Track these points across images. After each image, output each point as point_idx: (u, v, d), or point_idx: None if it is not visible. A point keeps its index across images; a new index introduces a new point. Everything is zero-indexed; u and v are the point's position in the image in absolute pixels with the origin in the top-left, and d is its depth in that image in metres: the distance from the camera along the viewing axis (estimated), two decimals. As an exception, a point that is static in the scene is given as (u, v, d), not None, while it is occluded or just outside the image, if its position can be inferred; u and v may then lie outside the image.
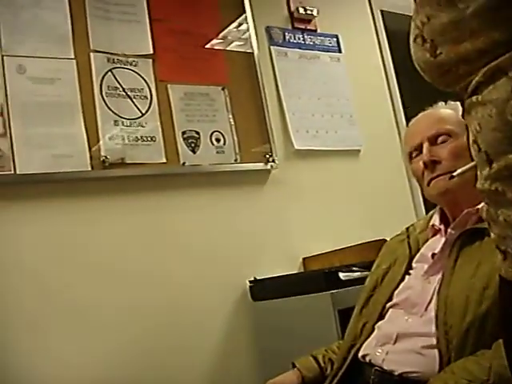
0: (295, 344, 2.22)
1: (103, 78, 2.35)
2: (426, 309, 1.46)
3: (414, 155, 1.61)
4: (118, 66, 2.40)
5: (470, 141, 0.81)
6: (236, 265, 2.53)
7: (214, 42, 2.67)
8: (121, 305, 2.23)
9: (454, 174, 1.42)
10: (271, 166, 2.68)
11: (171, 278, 2.37)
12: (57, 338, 2.10)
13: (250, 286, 2.53)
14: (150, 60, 2.48)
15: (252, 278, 2.52)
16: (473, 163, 0.85)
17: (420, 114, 1.66)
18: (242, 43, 2.75)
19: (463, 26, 0.78)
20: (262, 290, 2.50)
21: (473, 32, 0.77)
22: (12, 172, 2.10)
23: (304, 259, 2.70)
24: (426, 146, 1.55)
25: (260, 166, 2.65)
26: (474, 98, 0.79)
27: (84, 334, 2.15)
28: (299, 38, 2.99)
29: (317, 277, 2.28)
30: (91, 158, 2.25)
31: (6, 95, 2.15)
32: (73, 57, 2.31)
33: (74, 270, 2.18)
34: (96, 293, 2.20)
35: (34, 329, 2.06)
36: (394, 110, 3.25)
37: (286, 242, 2.69)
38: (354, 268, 2.26)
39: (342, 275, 2.23)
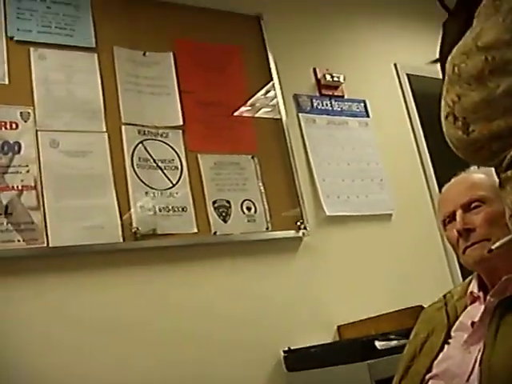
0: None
1: (134, 149, 2.38)
2: (467, 379, 1.40)
3: (447, 222, 1.58)
4: (149, 137, 2.44)
5: (507, 215, 0.81)
6: (270, 334, 2.48)
7: (242, 109, 2.71)
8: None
9: (493, 247, 1.38)
10: (303, 234, 2.66)
11: (203, 349, 2.33)
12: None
13: (285, 356, 2.47)
14: (180, 131, 2.52)
15: (286, 348, 2.47)
16: (510, 236, 0.84)
17: (452, 180, 1.64)
18: (269, 109, 2.79)
19: (495, 105, 0.79)
20: (297, 360, 2.44)
21: (506, 110, 0.78)
22: (45, 245, 2.12)
23: (339, 327, 2.64)
24: (459, 213, 1.52)
25: (291, 233, 2.64)
26: (509, 173, 0.79)
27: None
28: (327, 105, 3.02)
29: (353, 346, 2.23)
30: (123, 229, 2.26)
31: (40, 168, 2.19)
32: (104, 130, 2.35)
33: (113, 338, 2.18)
34: (146, 362, 2.20)
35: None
36: (424, 173, 3.23)
37: (319, 309, 2.64)
38: (391, 336, 2.21)
39: (378, 344, 2.17)
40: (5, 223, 2.07)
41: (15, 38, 2.30)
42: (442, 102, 0.88)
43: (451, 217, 1.56)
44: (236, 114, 2.69)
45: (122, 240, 2.24)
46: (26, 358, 2.02)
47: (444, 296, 1.71)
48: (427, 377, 1.52)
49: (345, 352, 2.24)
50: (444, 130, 0.89)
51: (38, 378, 2.03)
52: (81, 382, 2.09)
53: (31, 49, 2.32)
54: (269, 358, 2.47)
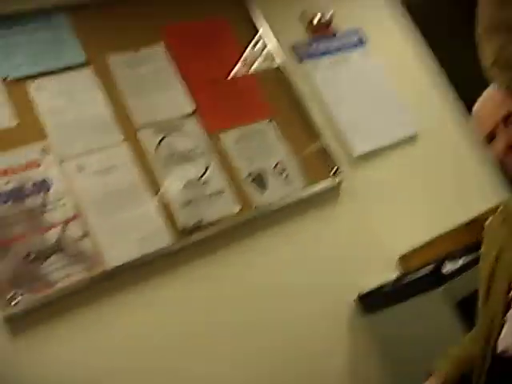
0: (419, 350, 2.17)
1: (157, 149, 2.38)
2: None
3: (489, 139, 1.56)
4: (167, 133, 2.43)
5: None
6: (336, 287, 2.51)
7: (246, 77, 2.68)
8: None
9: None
10: (339, 180, 2.65)
11: (278, 317, 2.37)
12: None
13: (358, 302, 2.50)
14: (195, 116, 2.50)
15: (357, 294, 2.50)
16: None
17: (485, 94, 1.59)
18: (272, 67, 2.75)
19: None
20: (370, 303, 2.46)
21: None
22: (104, 268, 2.14)
23: (399, 259, 2.65)
24: (501, 128, 1.50)
25: (328, 183, 2.63)
26: None
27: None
28: (324, 46, 2.96)
29: (422, 276, 2.24)
30: (170, 230, 2.27)
31: (76, 197, 2.20)
32: (122, 139, 2.35)
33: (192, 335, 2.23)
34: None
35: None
36: (439, 87, 3.18)
37: (375, 248, 2.65)
38: (456, 256, 2.22)
39: (446, 267, 2.18)
40: (60, 260, 2.10)
41: (9, 77, 2.27)
42: (484, 50, 0.85)
43: (493, 132, 1.53)
44: (241, 83, 2.65)
45: (172, 241, 2.26)
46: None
47: (498, 208, 1.69)
48: (510, 295, 1.52)
49: (416, 283, 2.25)
50: (489, 76, 0.87)
51: None
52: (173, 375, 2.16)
53: (28, 83, 2.29)
54: (343, 310, 2.50)
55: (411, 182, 2.87)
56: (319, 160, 2.66)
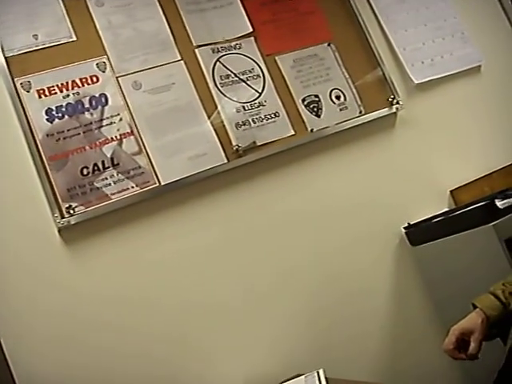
0: (466, 283, 2.11)
1: (213, 69, 2.31)
2: None
3: None
4: (224, 53, 2.35)
5: None
6: (386, 215, 2.44)
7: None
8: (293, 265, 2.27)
9: None
10: (396, 108, 2.54)
11: (325, 240, 2.35)
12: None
13: (406, 232, 2.43)
14: (252, 38, 2.41)
15: (406, 224, 2.43)
16: None
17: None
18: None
19: None
20: (419, 234, 2.39)
21: None
22: (157, 184, 2.13)
23: (451, 191, 2.56)
24: None
25: (385, 111, 2.52)
26: None
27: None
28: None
29: (474, 210, 2.14)
30: (224, 150, 2.23)
31: (131, 113, 2.17)
32: (179, 58, 2.28)
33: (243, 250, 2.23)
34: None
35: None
36: (506, 14, 3.00)
37: (428, 179, 2.56)
38: (509, 193, 2.12)
39: (499, 203, 2.08)
40: (115, 174, 2.09)
41: (69, -8, 2.23)
42: None
43: None
44: (300, 5, 2.54)
45: (226, 161, 2.22)
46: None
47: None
48: None
49: (467, 217, 2.16)
50: None
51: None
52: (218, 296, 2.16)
53: (87, -2, 2.24)
54: (391, 238, 2.44)
55: (470, 115, 2.74)
56: (377, 87, 2.55)
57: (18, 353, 1.90)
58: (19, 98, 2.07)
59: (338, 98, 2.46)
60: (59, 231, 2.03)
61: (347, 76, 2.50)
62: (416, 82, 2.64)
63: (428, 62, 2.69)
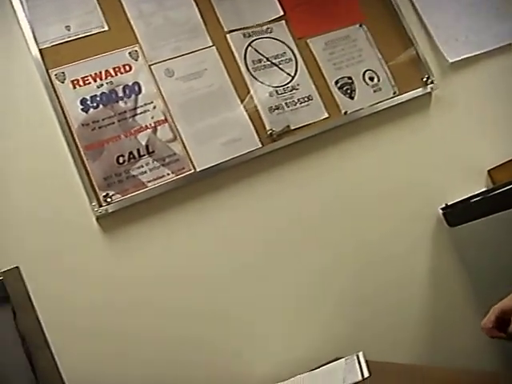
0: (505, 263, 2.06)
1: (245, 54, 2.28)
2: None
3: None
4: (255, 37, 2.31)
5: None
6: (423, 196, 2.38)
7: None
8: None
9: None
10: (431, 88, 2.47)
11: (362, 220, 2.31)
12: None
13: (444, 213, 2.37)
14: (283, 21, 2.37)
15: (443, 205, 2.37)
16: None
17: None
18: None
19: None
20: (457, 214, 2.32)
21: None
22: (192, 171, 2.11)
23: (489, 171, 2.48)
24: None
25: (420, 91, 2.46)
26: None
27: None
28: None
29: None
30: (258, 134, 2.20)
31: (165, 101, 2.15)
32: (211, 44, 2.26)
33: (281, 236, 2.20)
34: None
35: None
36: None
37: (465, 158, 2.48)
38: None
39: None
40: (151, 162, 2.08)
41: (101, -17, 2.21)
42: None
43: None
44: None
45: (260, 145, 2.19)
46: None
47: None
48: None
49: (506, 196, 2.07)
50: None
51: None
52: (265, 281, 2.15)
53: (118, -13, 2.22)
54: (428, 219, 2.38)
55: (506, 92, 2.65)
56: (411, 67, 2.48)
57: (60, 342, 1.91)
58: (54, 89, 2.07)
59: (371, 79, 2.41)
60: (97, 219, 2.03)
61: (380, 57, 2.45)
62: (450, 60, 2.56)
63: (462, 39, 2.61)
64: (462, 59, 2.59)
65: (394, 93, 2.42)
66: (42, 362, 1.87)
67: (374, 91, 2.39)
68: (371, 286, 2.25)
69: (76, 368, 1.90)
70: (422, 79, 2.47)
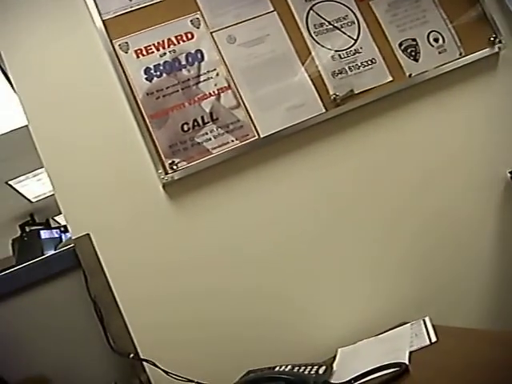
0: None
1: (307, 18, 2.25)
2: None
3: None
4: (317, 1, 2.28)
5: None
6: (490, 160, 2.32)
7: None
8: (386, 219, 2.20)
9: None
10: (499, 48, 2.39)
11: (429, 186, 2.26)
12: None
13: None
14: (345, -17, 2.33)
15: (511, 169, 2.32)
16: None
17: None
18: None
19: None
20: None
21: None
22: (256, 137, 2.11)
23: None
24: None
25: (487, 51, 2.37)
26: None
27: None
28: None
29: None
30: (322, 99, 2.17)
31: (228, 68, 2.14)
32: (272, 9, 2.23)
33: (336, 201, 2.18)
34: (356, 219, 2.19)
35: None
36: None
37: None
38: None
39: None
40: (215, 129, 2.08)
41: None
42: None
43: None
44: None
45: (324, 110, 2.16)
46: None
47: None
48: None
49: None
50: None
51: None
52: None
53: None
54: (496, 182, 2.32)
55: None
56: (477, 26, 2.40)
57: (131, 307, 1.96)
58: (118, 59, 2.09)
59: (436, 40, 2.34)
60: (163, 187, 2.05)
61: (445, 17, 2.38)
62: (519, 18, 2.48)
63: (531, -4, 2.51)
64: (531, 16, 2.49)
65: (460, 54, 2.35)
66: (114, 325, 1.92)
67: (439, 53, 2.33)
68: (437, 248, 2.22)
69: (146, 332, 1.94)
70: (490, 39, 2.39)
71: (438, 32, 2.35)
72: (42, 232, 3.93)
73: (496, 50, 2.40)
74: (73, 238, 1.97)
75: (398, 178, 2.23)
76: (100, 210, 2.01)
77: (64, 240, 3.67)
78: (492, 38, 2.39)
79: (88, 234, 1.97)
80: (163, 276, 2.00)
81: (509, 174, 2.32)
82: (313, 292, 2.09)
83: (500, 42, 2.40)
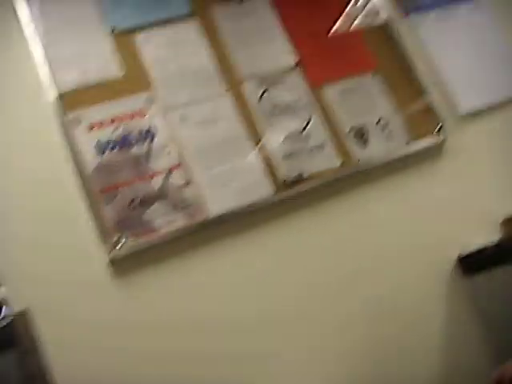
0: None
1: (260, 101, 2.30)
2: None
3: None
4: (270, 85, 2.34)
5: None
6: (437, 246, 2.36)
7: (349, 29, 2.55)
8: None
9: None
10: (442, 138, 2.48)
11: (375, 273, 2.28)
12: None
13: (458, 263, 2.35)
14: (298, 69, 2.39)
15: (458, 255, 2.35)
16: None
17: None
18: (375, 20, 2.59)
19: None
20: (472, 264, 2.30)
21: None
22: (205, 217, 2.10)
23: (503, 222, 2.44)
24: None
25: (432, 140, 2.46)
26: None
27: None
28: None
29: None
30: (272, 181, 2.20)
31: (179, 147, 2.16)
32: (226, 91, 2.28)
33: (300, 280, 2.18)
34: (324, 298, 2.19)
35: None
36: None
37: (479, 209, 2.45)
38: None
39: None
40: (163, 207, 2.08)
41: (117, 29, 2.25)
42: None
43: None
44: (345, 36, 2.52)
45: (273, 192, 2.19)
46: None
47: None
48: None
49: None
50: None
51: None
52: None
53: (134, 34, 2.27)
54: (443, 268, 2.36)
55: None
56: (423, 116, 2.49)
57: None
58: (70, 131, 2.09)
59: (384, 128, 2.42)
60: (110, 262, 2.02)
61: (393, 105, 2.46)
62: (462, 110, 2.58)
63: (476, 89, 2.62)
64: (474, 109, 2.60)
65: (407, 142, 2.42)
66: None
67: (387, 140, 2.40)
68: (386, 334, 2.22)
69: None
70: (434, 129, 2.48)
71: (386, 119, 2.43)
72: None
73: (441, 139, 2.48)
74: (12, 313, 1.91)
75: (344, 264, 2.25)
76: (42, 285, 1.96)
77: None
78: (437, 128, 2.48)
79: (26, 310, 1.92)
80: (107, 357, 1.94)
81: (455, 261, 2.36)
82: (265, 362, 2.07)
83: (445, 132, 2.49)
